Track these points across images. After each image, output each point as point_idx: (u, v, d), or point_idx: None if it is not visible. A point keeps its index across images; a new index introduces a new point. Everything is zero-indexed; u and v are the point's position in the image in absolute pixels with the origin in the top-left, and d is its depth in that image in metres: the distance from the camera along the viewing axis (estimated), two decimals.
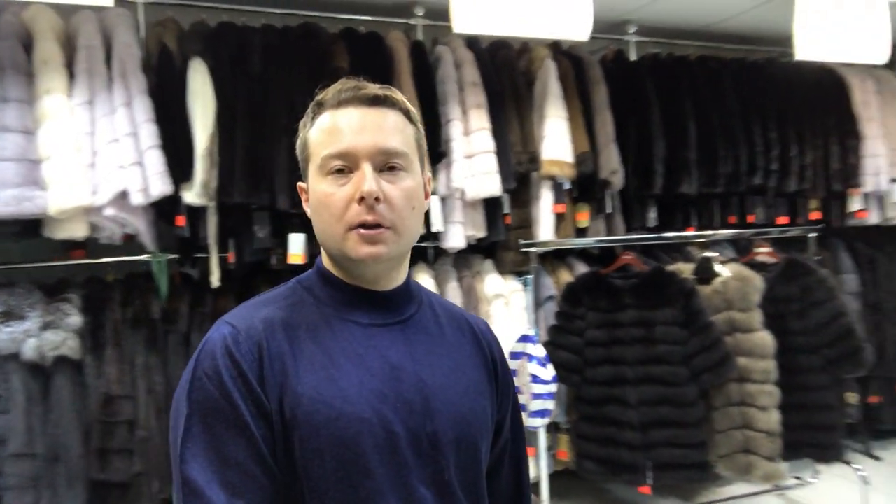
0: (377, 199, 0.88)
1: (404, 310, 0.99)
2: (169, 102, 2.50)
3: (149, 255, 2.65)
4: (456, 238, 2.83)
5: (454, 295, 2.87)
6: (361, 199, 0.88)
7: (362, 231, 0.89)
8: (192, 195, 2.50)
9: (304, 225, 2.68)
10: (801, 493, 3.32)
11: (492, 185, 2.79)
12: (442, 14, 3.02)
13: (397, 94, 0.96)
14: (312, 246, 2.70)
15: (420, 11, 2.99)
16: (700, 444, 2.73)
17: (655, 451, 2.69)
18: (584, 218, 3.05)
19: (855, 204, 3.61)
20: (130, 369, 2.54)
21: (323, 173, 0.92)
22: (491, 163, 2.80)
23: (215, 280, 2.63)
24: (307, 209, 0.98)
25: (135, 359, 2.55)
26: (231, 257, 2.68)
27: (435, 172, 2.79)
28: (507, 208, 2.95)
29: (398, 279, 0.99)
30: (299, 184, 1.02)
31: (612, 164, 3.01)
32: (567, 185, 2.98)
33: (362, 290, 0.96)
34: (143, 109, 2.43)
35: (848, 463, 3.07)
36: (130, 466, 2.44)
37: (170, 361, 2.59)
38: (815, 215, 3.60)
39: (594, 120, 3.05)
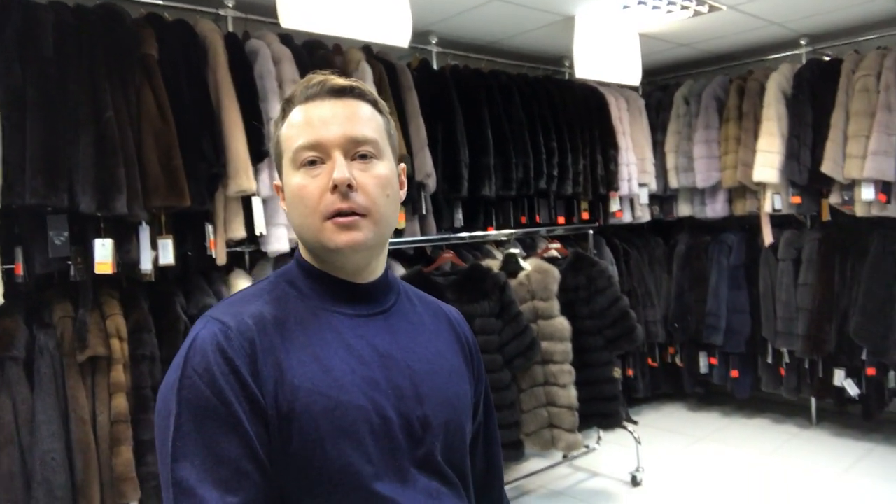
0: (350, 186, 0.89)
1: (385, 300, 1.00)
2: None
3: None
4: (280, 241, 2.73)
5: None
6: (335, 188, 0.88)
7: (338, 219, 0.89)
8: None
9: (112, 229, 2.38)
10: (588, 459, 3.79)
11: None
12: (252, 7, 2.90)
13: (365, 86, 0.97)
14: (121, 253, 2.41)
15: (230, 2, 2.83)
16: (515, 423, 2.98)
17: None
18: (401, 219, 3.13)
19: (614, 205, 4.21)
20: None
21: (296, 166, 0.92)
22: None
23: None
24: (283, 206, 0.96)
25: None
26: (19, 268, 2.28)
27: (257, 172, 2.66)
28: None
29: (378, 270, 1.00)
30: (275, 182, 1.01)
31: (426, 168, 3.14)
32: None
33: (345, 283, 0.96)
34: None
35: (625, 428, 3.57)
36: None
37: None
38: (585, 215, 4.12)
39: (409, 125, 3.15)
